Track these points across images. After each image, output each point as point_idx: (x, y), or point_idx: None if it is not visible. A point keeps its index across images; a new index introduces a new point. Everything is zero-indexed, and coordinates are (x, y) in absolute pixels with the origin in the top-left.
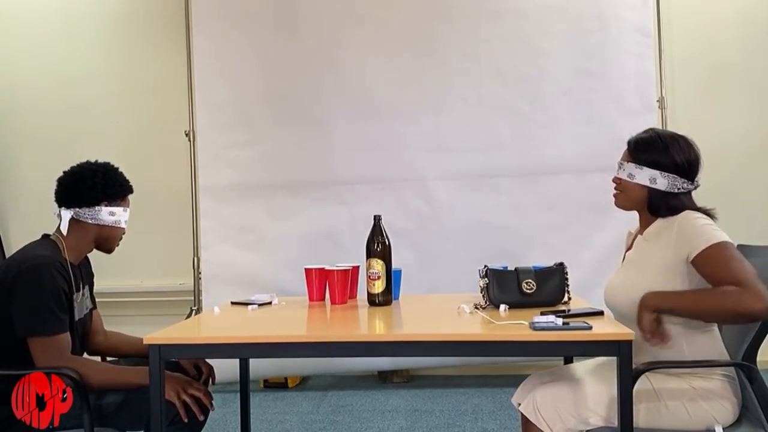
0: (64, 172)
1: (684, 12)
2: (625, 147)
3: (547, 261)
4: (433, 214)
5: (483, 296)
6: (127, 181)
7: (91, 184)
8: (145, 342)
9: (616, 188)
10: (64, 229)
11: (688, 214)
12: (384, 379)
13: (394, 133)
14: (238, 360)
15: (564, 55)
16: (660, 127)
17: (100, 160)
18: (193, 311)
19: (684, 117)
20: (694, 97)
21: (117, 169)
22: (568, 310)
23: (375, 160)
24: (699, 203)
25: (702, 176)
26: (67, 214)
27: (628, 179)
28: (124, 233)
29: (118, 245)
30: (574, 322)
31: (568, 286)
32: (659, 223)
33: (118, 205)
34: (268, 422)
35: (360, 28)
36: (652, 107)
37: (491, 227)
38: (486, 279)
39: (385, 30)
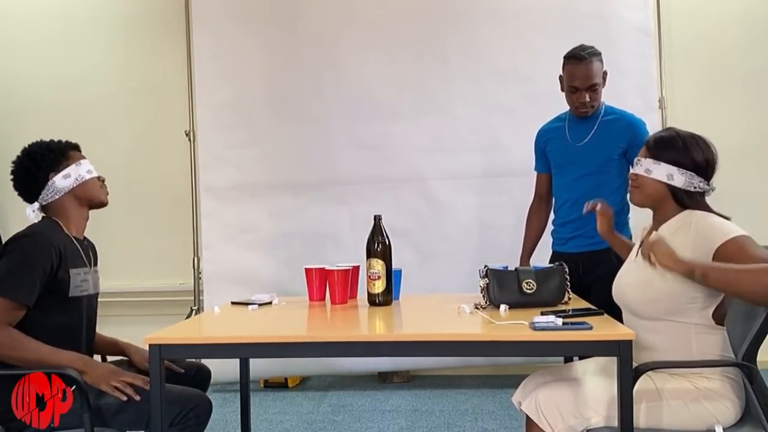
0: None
1: (685, 12)
2: (643, 146)
3: (547, 261)
4: (433, 214)
5: (483, 296)
6: (58, 143)
7: (27, 174)
8: (145, 342)
9: (632, 185)
10: (36, 219)
11: (705, 214)
12: (384, 379)
13: (394, 133)
14: (238, 360)
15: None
16: (678, 127)
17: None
18: (194, 311)
19: (684, 117)
20: (695, 97)
21: (38, 142)
22: (568, 310)
23: (375, 160)
24: None
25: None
26: (34, 207)
27: (645, 174)
28: (100, 180)
29: (107, 194)
30: (574, 322)
31: (568, 286)
32: (675, 221)
33: (66, 167)
34: (268, 422)
35: (360, 27)
36: (653, 107)
37: (491, 227)
38: (486, 279)
39: (385, 29)
